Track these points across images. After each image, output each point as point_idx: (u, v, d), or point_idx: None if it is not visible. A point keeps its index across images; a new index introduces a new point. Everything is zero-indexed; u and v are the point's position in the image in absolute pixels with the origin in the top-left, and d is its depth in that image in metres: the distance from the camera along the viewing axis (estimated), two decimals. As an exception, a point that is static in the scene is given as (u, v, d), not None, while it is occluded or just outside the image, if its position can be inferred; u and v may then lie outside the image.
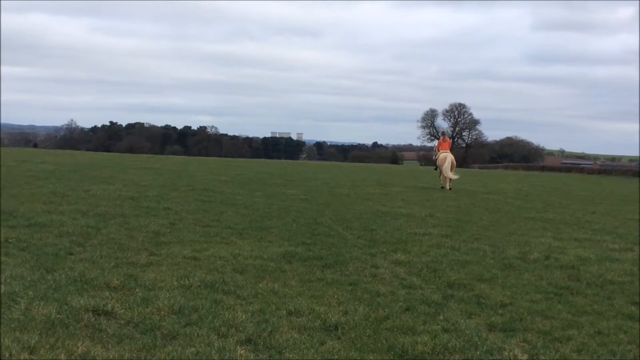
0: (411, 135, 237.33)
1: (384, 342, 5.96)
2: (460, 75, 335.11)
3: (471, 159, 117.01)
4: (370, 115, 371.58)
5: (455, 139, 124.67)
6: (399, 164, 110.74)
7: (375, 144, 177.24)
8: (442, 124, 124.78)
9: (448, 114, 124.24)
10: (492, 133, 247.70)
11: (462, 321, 6.77)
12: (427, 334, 6.24)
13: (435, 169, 28.27)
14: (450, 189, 26.62)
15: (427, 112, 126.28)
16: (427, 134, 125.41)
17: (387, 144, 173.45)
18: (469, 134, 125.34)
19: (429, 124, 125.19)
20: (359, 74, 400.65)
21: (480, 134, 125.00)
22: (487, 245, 11.80)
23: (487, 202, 21.38)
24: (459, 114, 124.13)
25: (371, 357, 5.60)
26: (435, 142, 28.75)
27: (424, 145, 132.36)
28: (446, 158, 26.73)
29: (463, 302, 7.60)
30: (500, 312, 7.26)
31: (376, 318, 6.71)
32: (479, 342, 6.09)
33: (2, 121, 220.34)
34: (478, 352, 5.84)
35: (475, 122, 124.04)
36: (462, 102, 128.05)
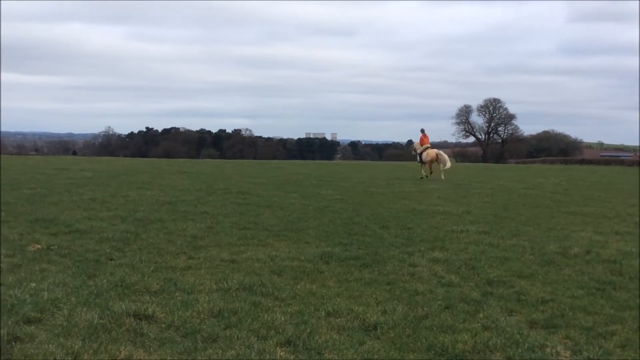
0: (446, 132, 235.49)
1: (424, 341, 5.94)
2: (495, 70, 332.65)
3: (508, 154, 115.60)
4: (404, 113, 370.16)
5: (491, 135, 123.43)
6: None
7: (410, 141, 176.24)
8: (477, 119, 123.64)
9: (483, 109, 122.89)
10: (528, 127, 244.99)
11: (503, 319, 6.71)
12: (467, 332, 6.19)
13: (420, 162, 30.81)
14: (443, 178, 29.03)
15: (462, 108, 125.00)
16: (462, 131, 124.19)
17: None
18: (504, 129, 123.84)
19: (464, 120, 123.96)
20: (392, 72, 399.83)
21: (516, 128, 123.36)
22: (526, 241, 11.67)
23: (525, 198, 21.13)
24: (494, 109, 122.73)
25: (411, 357, 5.58)
26: (418, 139, 31.15)
27: (459, 142, 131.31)
28: (438, 152, 30.14)
29: (503, 299, 7.53)
30: (541, 308, 7.18)
31: (415, 317, 6.68)
32: (520, 340, 6.03)
33: (41, 130, 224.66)
34: (520, 350, 5.78)
35: (511, 117, 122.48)
36: (496, 97, 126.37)
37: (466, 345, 5.83)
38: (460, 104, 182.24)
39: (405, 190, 22.66)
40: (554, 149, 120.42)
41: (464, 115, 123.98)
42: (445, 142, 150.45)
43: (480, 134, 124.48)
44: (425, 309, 7.00)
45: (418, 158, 30.90)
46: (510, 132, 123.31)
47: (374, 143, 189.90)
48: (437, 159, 29.68)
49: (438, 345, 5.82)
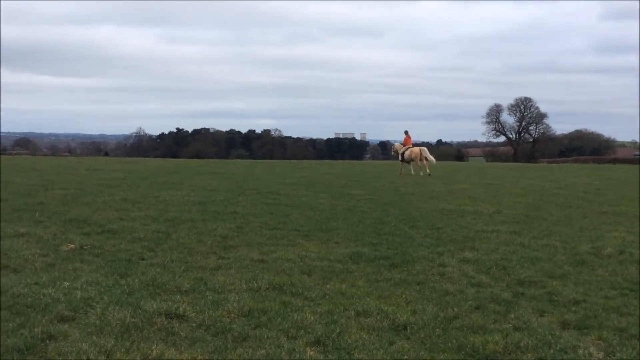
0: (476, 131, 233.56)
1: (454, 342, 5.91)
2: (525, 69, 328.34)
3: (539, 153, 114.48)
4: (433, 113, 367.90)
5: (522, 134, 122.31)
6: (464, 160, 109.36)
7: (439, 141, 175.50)
8: (508, 119, 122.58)
9: (513, 108, 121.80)
10: (560, 126, 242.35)
11: (534, 319, 6.65)
12: (498, 333, 6.15)
13: (402, 160, 33.22)
14: (429, 174, 31.16)
15: (492, 107, 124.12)
16: (492, 130, 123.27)
17: (452, 141, 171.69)
18: (535, 128, 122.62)
19: (494, 120, 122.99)
20: (420, 72, 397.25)
21: (547, 127, 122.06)
22: (558, 241, 11.54)
23: (556, 197, 20.90)
24: (525, 108, 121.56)
25: (441, 357, 5.56)
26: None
27: (490, 141, 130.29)
28: (420, 148, 32.81)
29: (534, 299, 7.46)
30: (573, 309, 7.10)
31: (445, 317, 6.66)
32: (552, 341, 5.97)
33: (74, 131, 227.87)
34: (552, 351, 5.73)
35: (542, 116, 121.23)
36: (527, 96, 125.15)
37: (497, 346, 5.79)
38: (490, 103, 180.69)
39: (435, 190, 22.56)
40: (587, 148, 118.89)
41: (494, 115, 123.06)
42: (476, 141, 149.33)
43: (511, 133, 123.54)
44: (456, 309, 6.97)
45: (400, 157, 33.34)
46: (542, 131, 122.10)
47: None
48: (421, 156, 32.10)
49: (468, 346, 5.79)
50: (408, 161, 32.70)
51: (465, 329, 6.32)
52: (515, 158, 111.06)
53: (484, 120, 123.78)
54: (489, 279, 8.46)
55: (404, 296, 7.46)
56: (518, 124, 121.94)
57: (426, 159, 32.07)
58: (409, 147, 32.91)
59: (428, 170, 31.63)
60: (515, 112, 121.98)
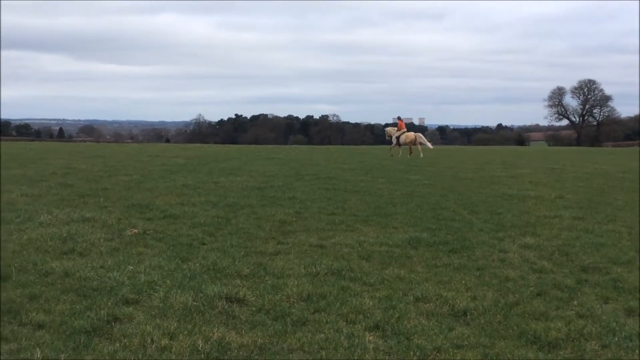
0: (537, 115, 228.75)
1: (515, 328, 5.84)
2: (590, 50, 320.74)
3: (603, 137, 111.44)
4: (493, 97, 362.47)
5: (586, 117, 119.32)
6: (525, 145, 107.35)
7: (499, 125, 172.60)
8: (571, 102, 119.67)
9: (577, 91, 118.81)
10: (625, 109, 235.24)
11: (598, 306, 6.52)
12: (561, 320, 6.04)
13: (396, 144, 35.63)
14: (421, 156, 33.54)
15: (554, 90, 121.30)
16: (554, 113, 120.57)
17: (512, 125, 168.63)
18: (600, 111, 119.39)
19: (557, 103, 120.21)
20: (481, 55, 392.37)
21: (612, 110, 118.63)
22: (623, 226, 11.25)
23: (622, 182, 20.34)
24: (588, 91, 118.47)
25: (502, 344, 5.50)
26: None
27: (552, 125, 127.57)
28: (416, 134, 35.68)
29: (598, 286, 7.30)
30: (638, 296, 6.92)
31: (506, 303, 6.58)
32: (616, 328, 5.84)
33: (135, 119, 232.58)
34: (616, 338, 5.60)
35: (607, 99, 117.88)
36: (591, 78, 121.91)
37: (560, 333, 5.69)
38: (553, 86, 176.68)
39: (495, 175, 22.23)
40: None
41: (556, 98, 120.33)
42: (537, 125, 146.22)
43: (574, 117, 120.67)
44: (517, 295, 6.87)
45: (395, 141, 35.73)
46: (606, 114, 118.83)
47: (462, 127, 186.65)
48: (416, 140, 34.87)
49: (530, 333, 5.70)
50: (403, 145, 35.32)
51: (526, 315, 6.23)
52: (578, 142, 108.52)
53: (546, 103, 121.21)
54: (551, 265, 8.31)
55: (463, 282, 7.40)
56: (581, 107, 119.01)
57: (421, 144, 35.00)
58: (404, 132, 35.49)
59: (421, 154, 33.93)
60: (578, 94, 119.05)
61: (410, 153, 34.43)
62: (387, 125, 44.04)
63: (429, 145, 35.67)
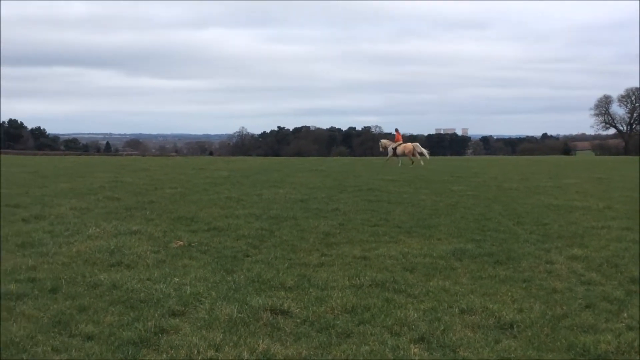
0: (584, 124, 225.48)
1: (563, 341, 5.74)
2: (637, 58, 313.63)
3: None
4: (538, 106, 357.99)
5: (634, 126, 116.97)
6: (571, 154, 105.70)
7: (544, 135, 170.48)
8: (618, 110, 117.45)
9: (624, 99, 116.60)
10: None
11: (649, 319, 6.37)
12: (611, 333, 5.93)
13: (394, 155, 37.65)
14: (413, 163, 35.55)
15: (601, 98, 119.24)
16: (601, 122, 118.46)
17: (558, 135, 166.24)
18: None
19: (603, 112, 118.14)
20: (526, 64, 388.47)
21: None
22: (674, 237, 10.97)
23: (672, 191, 19.85)
24: (636, 99, 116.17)
25: (550, 357, 5.42)
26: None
27: (599, 134, 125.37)
28: (413, 144, 37.58)
29: (649, 298, 7.14)
30: (692, 309, 6.74)
31: (554, 316, 6.48)
32: (669, 341, 5.70)
33: (179, 132, 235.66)
34: (668, 352, 5.47)
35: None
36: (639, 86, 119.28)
37: (609, 346, 5.58)
38: (600, 94, 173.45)
39: (541, 185, 21.93)
40: None
41: (603, 106, 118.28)
42: (583, 134, 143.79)
43: (622, 125, 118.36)
44: (565, 307, 6.77)
45: (391, 152, 37.93)
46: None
47: (507, 137, 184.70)
48: (414, 150, 36.69)
49: (579, 346, 5.61)
50: (401, 155, 37.24)
51: (575, 328, 6.13)
52: (626, 151, 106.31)
53: (592, 112, 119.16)
54: (599, 276, 8.16)
55: (509, 294, 7.31)
56: (629, 115, 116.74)
57: (420, 154, 36.84)
58: (401, 143, 37.80)
59: (422, 162, 35.83)
60: (626, 103, 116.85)
61: (412, 163, 36.06)
62: (385, 136, 47.89)
63: (427, 154, 37.83)
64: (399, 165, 35.74)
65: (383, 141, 40.23)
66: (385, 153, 39.30)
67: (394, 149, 37.60)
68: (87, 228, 11.05)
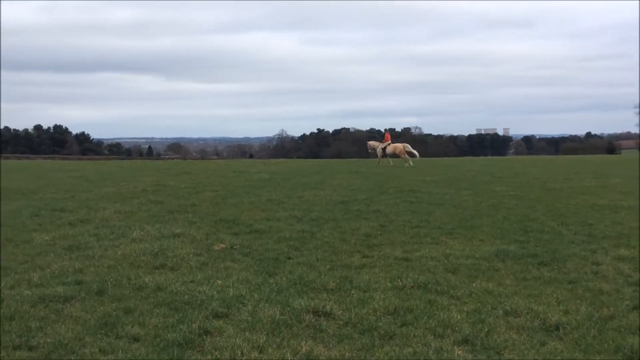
0: (629, 122, 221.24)
1: (611, 343, 5.65)
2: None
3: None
4: (581, 104, 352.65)
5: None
6: (616, 153, 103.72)
7: (588, 134, 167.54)
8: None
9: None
10: None
11: (700, 321, 6.22)
12: (660, 335, 5.80)
13: (383, 155, 37.63)
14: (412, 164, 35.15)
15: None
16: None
17: (602, 133, 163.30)
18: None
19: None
20: (570, 62, 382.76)
21: None
22: None
23: None
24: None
25: (597, 359, 5.33)
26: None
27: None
28: (403, 144, 37.72)
29: (700, 300, 6.97)
30: None
31: (600, 317, 6.37)
32: None
33: (220, 135, 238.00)
34: None
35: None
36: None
37: (658, 349, 5.46)
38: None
39: (585, 185, 21.57)
40: None
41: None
42: (629, 132, 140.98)
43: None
44: (612, 309, 6.65)
45: (380, 152, 37.91)
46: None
47: (549, 137, 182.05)
48: (403, 150, 36.63)
49: (627, 348, 5.51)
50: (391, 156, 37.39)
51: (622, 329, 6.02)
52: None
53: (638, 110, 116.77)
54: (647, 277, 7.99)
55: (554, 295, 7.21)
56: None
57: (410, 154, 36.96)
58: (389, 143, 37.86)
59: (411, 163, 35.65)
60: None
61: (406, 162, 36.00)
62: (377, 134, 48.40)
63: (416, 154, 38.04)
64: (391, 164, 36.01)
65: (371, 143, 40.67)
66: (374, 155, 39.55)
67: (384, 149, 37.95)
68: (131, 231, 11.21)
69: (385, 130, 41.25)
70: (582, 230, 11.62)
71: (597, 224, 12.30)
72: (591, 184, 22.19)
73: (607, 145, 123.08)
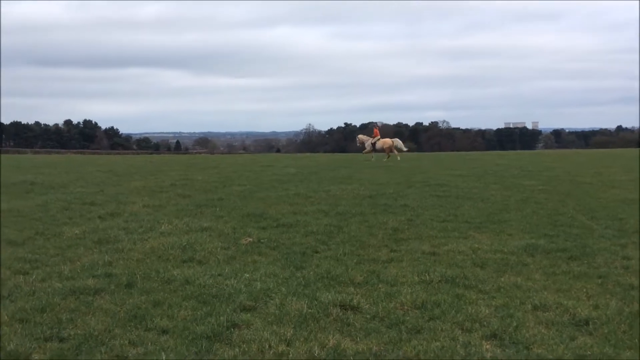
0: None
1: (642, 339, 5.57)
2: None
3: None
4: (612, 98, 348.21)
5: None
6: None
7: (619, 127, 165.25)
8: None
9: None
10: None
11: None
12: (692, 331, 5.72)
13: (373, 150, 37.60)
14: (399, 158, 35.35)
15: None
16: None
17: (634, 127, 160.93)
18: None
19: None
20: (600, 55, 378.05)
21: None
22: None
23: None
24: None
25: (628, 354, 5.27)
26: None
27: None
28: (392, 140, 37.73)
29: None
30: None
31: (631, 312, 6.30)
32: None
33: (247, 130, 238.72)
34: None
35: None
36: None
37: (691, 345, 5.38)
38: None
39: (616, 179, 21.29)
40: None
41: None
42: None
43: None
44: (643, 304, 6.56)
45: (369, 147, 37.88)
46: None
47: (579, 130, 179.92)
48: (392, 145, 36.73)
49: (658, 343, 5.43)
50: (379, 151, 37.24)
51: (654, 325, 5.94)
52: None
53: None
54: (679, 272, 7.88)
55: (584, 290, 7.14)
56: None
57: (398, 150, 36.99)
58: (379, 138, 37.78)
59: (398, 158, 35.48)
60: None
61: (388, 157, 35.95)
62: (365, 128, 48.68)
63: (405, 149, 38.66)
64: (384, 160, 35.80)
65: (360, 136, 40.78)
66: (362, 148, 39.52)
67: (373, 144, 37.92)
68: (160, 225, 11.31)
69: (375, 125, 41.54)
70: (613, 224, 11.49)
71: (627, 218, 12.14)
72: (622, 177, 21.91)
73: (639, 138, 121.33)
